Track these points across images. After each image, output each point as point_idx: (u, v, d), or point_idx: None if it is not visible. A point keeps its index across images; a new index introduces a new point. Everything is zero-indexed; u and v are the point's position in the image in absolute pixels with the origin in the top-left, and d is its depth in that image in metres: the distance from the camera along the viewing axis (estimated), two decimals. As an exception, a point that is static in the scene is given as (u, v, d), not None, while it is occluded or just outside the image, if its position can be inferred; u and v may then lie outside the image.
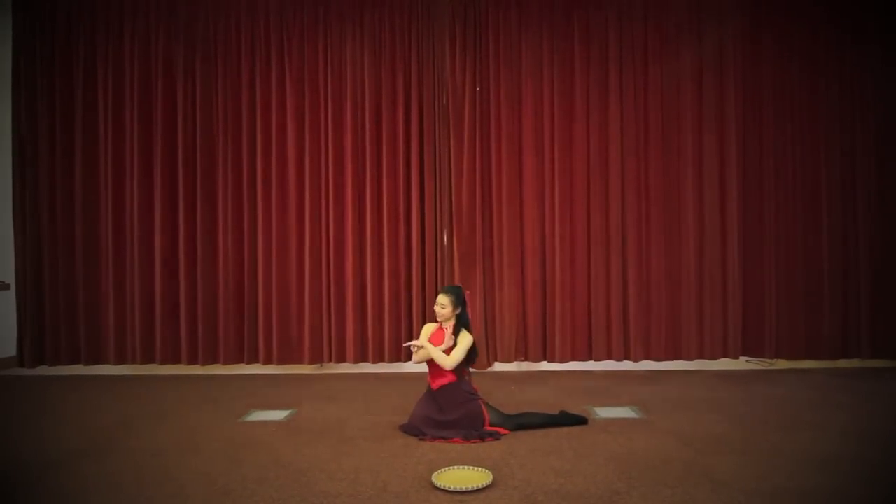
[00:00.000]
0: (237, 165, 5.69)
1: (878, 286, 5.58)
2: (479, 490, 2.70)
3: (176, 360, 5.67)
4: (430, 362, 3.57)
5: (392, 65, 5.69)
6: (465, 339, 3.56)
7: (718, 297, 5.61)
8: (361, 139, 5.69)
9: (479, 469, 2.90)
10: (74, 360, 5.71)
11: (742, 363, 5.67)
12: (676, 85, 5.67)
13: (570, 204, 5.64)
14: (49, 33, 5.73)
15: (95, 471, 3.04)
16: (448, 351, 3.54)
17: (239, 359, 5.69)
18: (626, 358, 5.63)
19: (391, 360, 5.62)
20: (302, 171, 5.69)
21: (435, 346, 3.57)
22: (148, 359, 5.66)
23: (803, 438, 3.43)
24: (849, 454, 3.17)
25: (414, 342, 3.59)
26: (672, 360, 5.63)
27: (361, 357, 5.66)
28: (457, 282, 5.44)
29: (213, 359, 5.67)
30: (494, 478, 2.81)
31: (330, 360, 5.66)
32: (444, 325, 3.65)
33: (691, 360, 5.63)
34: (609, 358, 5.62)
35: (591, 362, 5.63)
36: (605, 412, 4.02)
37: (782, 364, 5.62)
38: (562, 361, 5.59)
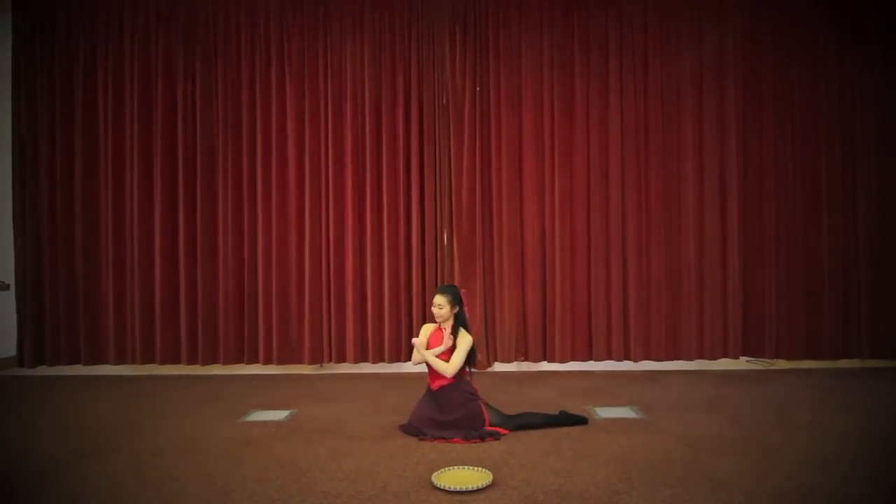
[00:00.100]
0: (237, 165, 5.69)
1: (878, 286, 5.58)
2: (479, 490, 2.70)
3: (176, 360, 5.67)
4: (430, 361, 3.57)
5: (392, 65, 5.69)
6: (465, 341, 3.56)
7: (718, 297, 5.61)
8: (361, 139, 5.69)
9: (479, 469, 2.90)
10: (74, 361, 5.71)
11: (742, 363, 5.67)
12: (676, 85, 5.67)
13: (570, 204, 5.64)
14: (49, 33, 5.73)
15: (95, 471, 3.04)
16: (448, 352, 3.54)
17: (239, 359, 5.69)
18: (627, 358, 5.63)
19: (391, 361, 5.62)
20: (302, 170, 5.69)
21: (434, 346, 3.58)
22: (148, 359, 5.66)
23: (803, 438, 3.43)
24: (849, 454, 3.17)
25: (416, 340, 3.59)
26: (672, 360, 5.63)
27: (361, 357, 5.66)
28: (457, 282, 5.44)
29: (213, 359, 5.66)
30: (494, 478, 2.81)
31: (330, 360, 5.66)
32: (443, 326, 3.65)
33: (691, 360, 5.63)
34: (609, 358, 5.62)
35: (591, 362, 5.63)
36: (605, 412, 4.02)
37: (782, 364, 5.62)
38: (562, 361, 5.59)
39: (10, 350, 5.78)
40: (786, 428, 3.65)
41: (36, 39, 5.73)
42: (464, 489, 2.68)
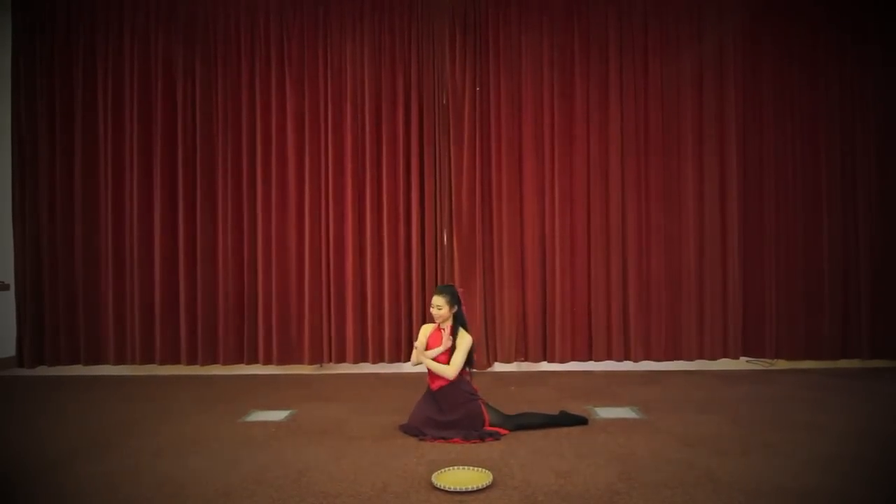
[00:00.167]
0: (237, 165, 5.69)
1: (878, 286, 5.58)
2: (479, 490, 2.70)
3: (175, 360, 5.67)
4: (430, 361, 3.57)
5: (392, 65, 5.69)
6: (465, 342, 3.55)
7: (718, 297, 5.61)
8: (361, 139, 5.69)
9: (479, 469, 2.90)
10: (74, 361, 5.71)
11: (742, 363, 5.66)
12: (676, 85, 5.67)
13: (570, 204, 5.64)
14: (49, 33, 5.73)
15: (95, 471, 3.04)
16: (447, 352, 3.53)
17: (238, 359, 5.68)
18: (627, 358, 5.63)
19: (391, 361, 5.62)
20: (302, 171, 5.69)
21: (434, 347, 3.57)
22: (147, 359, 5.65)
23: (803, 438, 3.43)
24: (849, 454, 3.17)
25: (416, 344, 3.59)
26: (672, 360, 5.63)
27: (361, 357, 5.65)
28: (457, 282, 5.43)
29: (212, 359, 5.66)
30: (494, 478, 2.81)
31: (330, 361, 5.66)
32: (442, 326, 3.64)
33: (691, 360, 5.63)
34: (609, 358, 5.62)
35: (591, 362, 5.63)
36: (605, 412, 4.02)
37: (782, 364, 5.62)
38: (562, 362, 5.59)
39: (10, 350, 5.77)
40: (786, 428, 3.65)
41: (36, 39, 5.73)
42: (464, 489, 2.68)
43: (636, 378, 5.18)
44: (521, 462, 3.07)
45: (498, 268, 5.63)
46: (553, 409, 3.89)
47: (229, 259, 5.65)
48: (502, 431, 3.49)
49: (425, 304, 5.47)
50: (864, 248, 5.60)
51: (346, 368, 5.66)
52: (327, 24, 5.72)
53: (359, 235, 5.67)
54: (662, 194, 5.65)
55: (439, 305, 3.58)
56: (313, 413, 4.11)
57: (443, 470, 2.89)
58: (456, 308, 3.62)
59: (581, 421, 3.73)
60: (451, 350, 3.54)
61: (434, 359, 3.53)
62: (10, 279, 5.77)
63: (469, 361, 3.61)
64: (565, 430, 3.61)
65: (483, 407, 3.55)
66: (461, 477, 2.81)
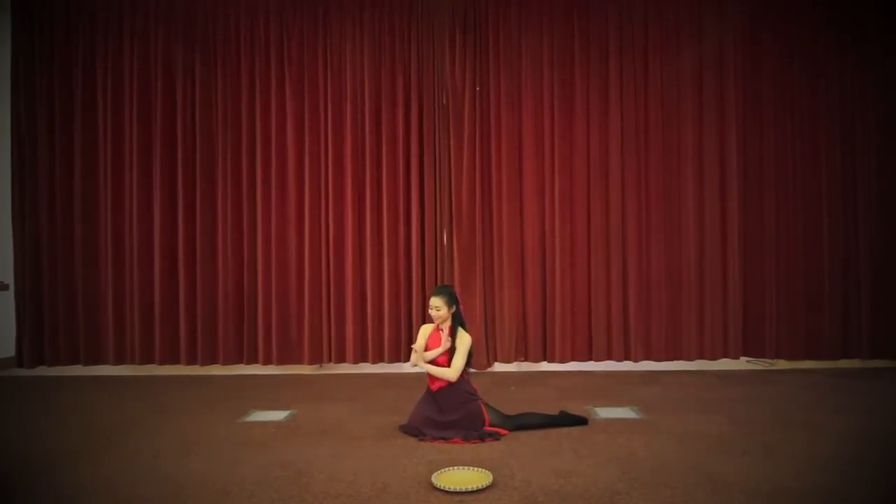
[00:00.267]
0: (237, 165, 5.69)
1: (878, 286, 5.58)
2: (479, 490, 2.69)
3: (175, 360, 5.66)
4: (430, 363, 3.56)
5: (392, 65, 5.68)
6: (464, 342, 3.55)
7: (718, 297, 5.61)
8: (361, 139, 5.69)
9: (479, 469, 2.89)
10: (73, 361, 5.70)
11: (742, 363, 5.66)
12: (676, 85, 5.66)
13: (570, 204, 5.64)
14: (48, 33, 5.73)
15: (94, 471, 3.04)
16: (447, 353, 3.53)
17: (238, 359, 5.68)
18: (627, 358, 5.62)
19: (391, 361, 5.61)
20: (301, 171, 5.69)
21: (433, 347, 3.57)
22: (147, 359, 5.65)
23: (803, 438, 3.43)
24: (848, 454, 3.17)
25: (416, 346, 3.58)
26: (672, 360, 5.63)
27: (361, 357, 5.65)
28: (457, 282, 5.43)
29: (212, 359, 5.66)
30: (494, 478, 2.81)
31: (330, 361, 5.66)
32: (441, 327, 3.63)
33: (691, 360, 5.62)
34: (609, 358, 5.61)
35: (591, 362, 5.62)
36: (605, 412, 4.02)
37: (782, 364, 5.62)
38: (562, 362, 5.58)
39: (9, 350, 5.77)
40: (786, 428, 3.65)
41: (35, 40, 5.73)
42: (464, 489, 2.68)
43: (636, 378, 5.18)
44: (521, 462, 3.07)
45: (498, 268, 5.63)
46: (553, 409, 3.89)
47: (229, 259, 5.65)
48: (502, 431, 3.49)
49: (425, 305, 5.43)
50: (864, 248, 5.59)
51: (346, 368, 5.66)
52: (327, 24, 5.72)
53: (358, 235, 5.66)
54: (662, 194, 5.65)
55: (437, 306, 3.58)
56: (313, 413, 4.11)
57: (443, 470, 2.89)
58: (454, 308, 3.62)
59: (581, 421, 3.73)
60: (451, 350, 3.53)
61: (434, 359, 3.53)
62: (10, 279, 5.76)
63: (469, 360, 3.61)
64: (565, 430, 3.61)
65: (483, 407, 3.54)
66: (461, 477, 2.81)
